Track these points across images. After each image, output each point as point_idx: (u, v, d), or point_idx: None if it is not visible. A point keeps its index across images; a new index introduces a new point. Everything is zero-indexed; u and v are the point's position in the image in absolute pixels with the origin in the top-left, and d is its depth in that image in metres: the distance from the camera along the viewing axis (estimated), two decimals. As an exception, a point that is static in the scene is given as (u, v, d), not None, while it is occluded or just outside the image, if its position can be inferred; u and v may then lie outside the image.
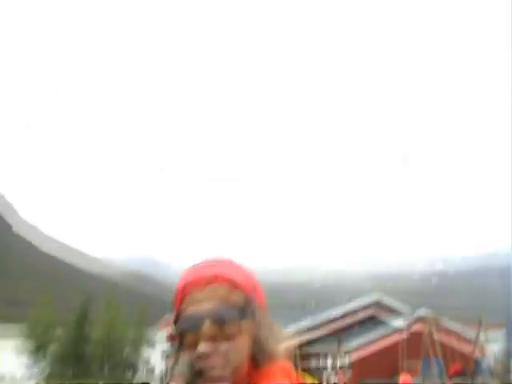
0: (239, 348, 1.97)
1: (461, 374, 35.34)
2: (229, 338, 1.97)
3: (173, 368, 2.04)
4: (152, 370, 75.15)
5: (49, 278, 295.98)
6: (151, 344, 71.95)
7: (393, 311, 59.39)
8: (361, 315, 60.66)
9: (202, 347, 1.95)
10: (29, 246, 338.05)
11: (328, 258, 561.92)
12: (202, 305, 1.99)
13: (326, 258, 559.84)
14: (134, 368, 71.40)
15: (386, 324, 54.52)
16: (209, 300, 2.00)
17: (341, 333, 50.92)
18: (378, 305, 61.81)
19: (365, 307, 61.63)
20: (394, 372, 50.60)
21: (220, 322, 1.97)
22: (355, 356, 52.98)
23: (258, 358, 2.02)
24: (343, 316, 59.80)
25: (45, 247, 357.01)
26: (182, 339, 2.03)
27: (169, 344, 2.10)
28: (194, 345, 1.97)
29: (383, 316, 58.10)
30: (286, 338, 2.07)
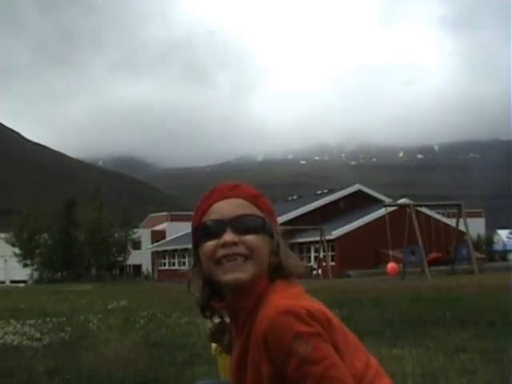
0: (260, 257, 1.96)
1: (441, 260, 35.87)
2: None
3: (191, 282, 2.10)
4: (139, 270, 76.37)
5: (33, 183, 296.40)
6: (136, 244, 72.77)
7: (373, 200, 59.99)
8: (342, 205, 61.33)
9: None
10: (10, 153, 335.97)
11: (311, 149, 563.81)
12: (224, 214, 1.98)
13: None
14: (120, 267, 72.42)
15: (368, 213, 55.14)
16: (230, 210, 1.99)
17: (323, 223, 51.50)
18: (358, 194, 62.40)
19: (346, 197, 62.23)
20: (377, 262, 51.69)
21: (242, 230, 1.96)
22: (338, 246, 53.86)
23: (275, 274, 2.02)
24: (325, 206, 60.46)
25: (26, 151, 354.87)
26: (197, 250, 2.04)
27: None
28: (212, 254, 1.96)
29: (364, 205, 58.71)
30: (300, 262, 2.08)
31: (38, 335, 9.06)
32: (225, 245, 1.93)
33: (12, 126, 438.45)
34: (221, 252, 1.94)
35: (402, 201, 50.64)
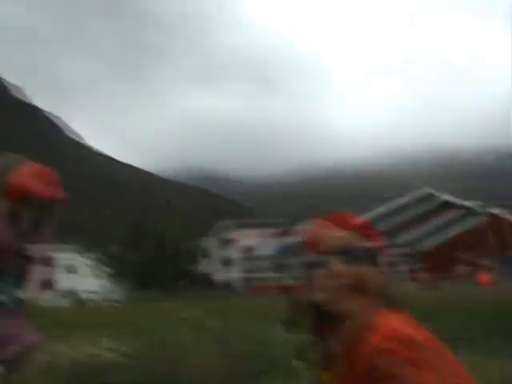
0: None
1: None
2: None
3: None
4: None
5: (103, 196, 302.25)
6: (207, 253, 73.15)
7: (457, 207, 58.05)
8: (413, 211, 59.90)
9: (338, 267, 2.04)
10: (75, 163, 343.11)
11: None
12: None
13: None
14: (191, 277, 72.86)
15: (456, 222, 53.67)
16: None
17: (408, 233, 50.39)
18: (446, 203, 60.03)
19: (416, 202, 60.72)
20: (469, 271, 50.16)
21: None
22: (429, 257, 52.38)
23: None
24: (414, 217, 58.88)
25: (93, 163, 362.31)
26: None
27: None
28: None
29: (452, 214, 56.73)
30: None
31: (114, 346, 9.10)
32: (336, 274, 2.08)
33: (86, 142, 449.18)
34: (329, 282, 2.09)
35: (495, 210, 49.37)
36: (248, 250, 73.75)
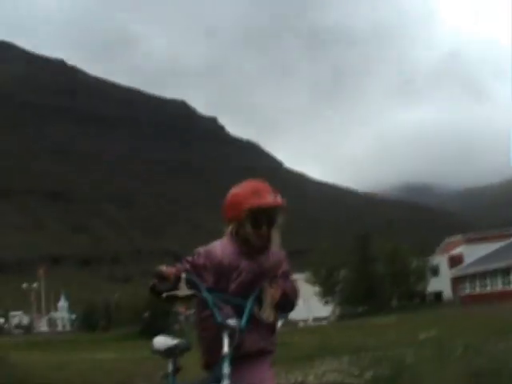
0: None
1: None
2: None
3: None
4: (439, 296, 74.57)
5: (324, 221, 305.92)
6: (434, 271, 71.27)
7: None
8: None
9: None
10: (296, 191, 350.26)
11: None
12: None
13: None
14: (421, 296, 71.34)
15: None
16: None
17: None
18: None
19: None
20: None
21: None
22: None
23: None
24: None
25: (312, 190, 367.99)
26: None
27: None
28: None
29: None
30: None
31: (356, 372, 9.06)
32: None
33: (297, 168, 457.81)
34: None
35: None
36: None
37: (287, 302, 3.18)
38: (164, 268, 2.93)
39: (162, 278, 2.90)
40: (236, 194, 3.12)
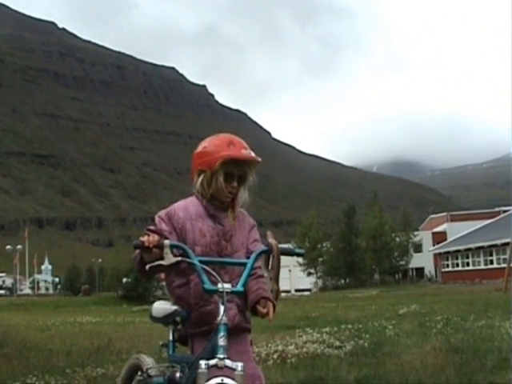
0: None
1: None
2: None
3: None
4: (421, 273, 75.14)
5: (311, 194, 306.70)
6: (417, 247, 71.66)
7: None
8: None
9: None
10: (284, 162, 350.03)
11: None
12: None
13: None
14: (403, 271, 71.88)
15: None
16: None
17: None
18: None
19: None
20: None
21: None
22: None
23: None
24: None
25: (300, 163, 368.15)
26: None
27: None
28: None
29: None
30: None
31: (337, 343, 9.08)
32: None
33: (284, 140, 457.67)
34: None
35: None
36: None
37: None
38: (145, 238, 2.80)
39: (145, 248, 2.73)
40: (212, 143, 3.00)
